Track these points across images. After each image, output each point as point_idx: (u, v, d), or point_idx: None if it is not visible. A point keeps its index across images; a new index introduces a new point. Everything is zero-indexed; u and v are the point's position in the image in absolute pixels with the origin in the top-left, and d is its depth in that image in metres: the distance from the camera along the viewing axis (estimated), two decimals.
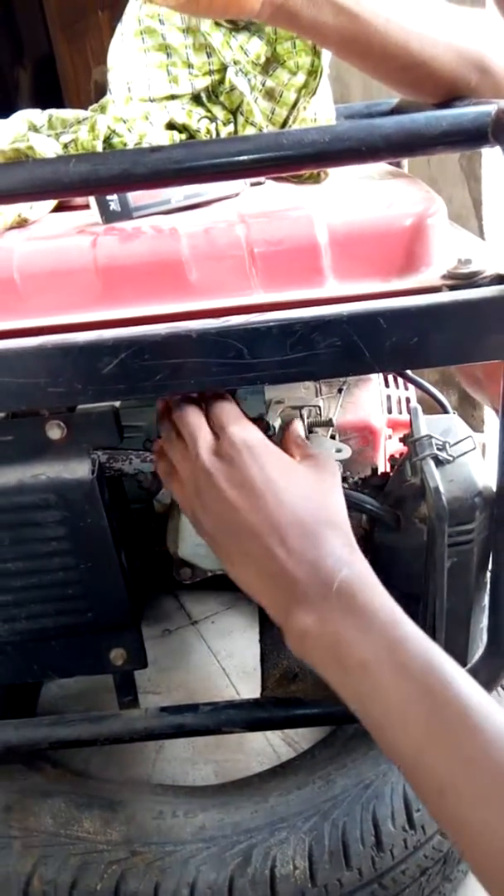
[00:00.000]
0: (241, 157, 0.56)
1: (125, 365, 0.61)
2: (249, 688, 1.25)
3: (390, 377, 0.99)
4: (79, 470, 0.66)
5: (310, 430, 0.80)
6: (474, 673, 0.80)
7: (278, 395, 0.84)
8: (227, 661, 1.33)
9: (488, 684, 0.79)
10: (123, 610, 0.75)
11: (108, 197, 0.65)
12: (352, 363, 0.61)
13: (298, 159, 0.57)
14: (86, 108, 0.94)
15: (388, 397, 0.97)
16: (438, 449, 0.71)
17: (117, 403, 0.68)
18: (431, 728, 0.39)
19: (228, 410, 0.55)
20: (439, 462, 0.70)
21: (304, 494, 0.49)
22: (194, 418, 0.54)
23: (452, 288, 0.62)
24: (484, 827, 0.35)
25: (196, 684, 1.29)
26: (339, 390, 0.87)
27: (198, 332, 0.60)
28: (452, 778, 0.37)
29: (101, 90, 0.95)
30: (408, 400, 0.99)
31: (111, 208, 0.66)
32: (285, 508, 0.48)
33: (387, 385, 0.98)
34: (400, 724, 0.41)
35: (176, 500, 0.57)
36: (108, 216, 0.65)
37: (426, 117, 0.56)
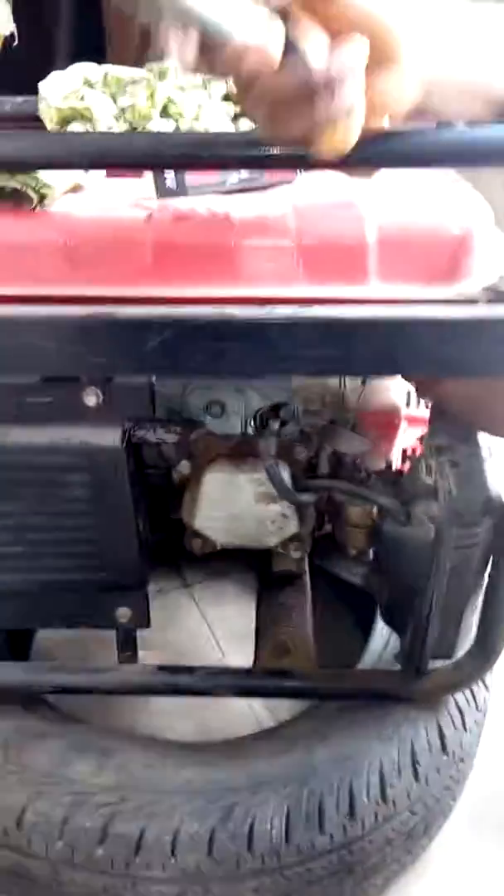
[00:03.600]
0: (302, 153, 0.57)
1: (167, 344, 0.62)
2: (237, 654, 1.29)
3: None
4: (110, 437, 0.69)
5: (330, 421, 0.82)
6: (459, 666, 0.85)
7: (298, 381, 0.86)
8: (217, 626, 1.37)
9: (470, 678, 0.84)
10: (135, 573, 0.79)
11: (165, 174, 0.66)
12: (386, 365, 0.64)
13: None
14: (132, 54, 0.93)
15: (409, 392, 1.00)
16: (455, 452, 0.73)
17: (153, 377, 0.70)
18: None
19: None
20: (454, 465, 0.73)
21: None
22: None
23: (492, 301, 0.64)
24: None
25: (184, 645, 1.33)
26: (363, 381, 0.89)
27: (241, 320, 0.62)
28: None
29: (146, 36, 0.95)
30: None
31: (167, 185, 0.67)
32: None
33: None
34: None
35: None
36: (163, 192, 0.67)
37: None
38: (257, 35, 0.43)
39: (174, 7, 0.43)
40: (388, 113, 0.50)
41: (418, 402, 1.01)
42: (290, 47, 0.44)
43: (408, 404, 1.00)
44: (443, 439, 0.75)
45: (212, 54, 0.45)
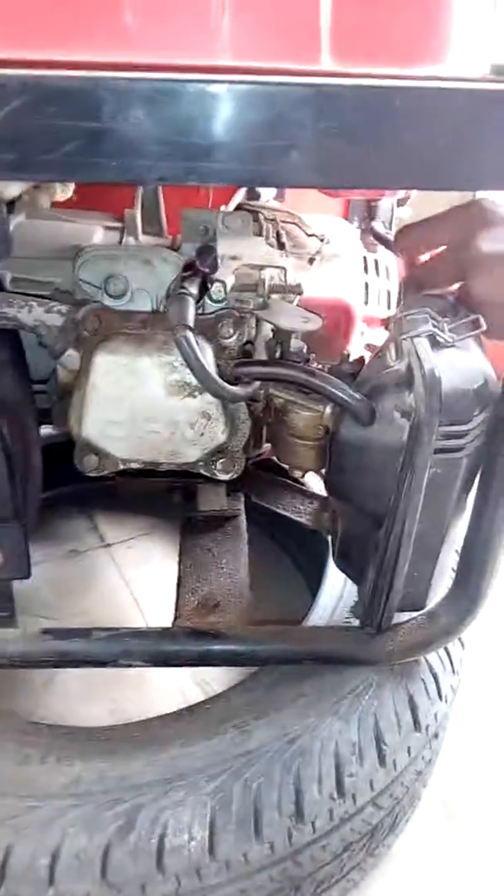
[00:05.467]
0: None
1: (16, 120, 0.41)
2: (165, 622, 1.09)
3: (370, 262, 0.82)
4: None
5: (269, 294, 0.62)
6: (434, 616, 0.66)
7: (232, 251, 0.65)
8: (142, 590, 1.17)
9: (449, 631, 0.66)
10: (2, 497, 0.57)
11: None
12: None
13: None
14: None
15: (367, 285, 0.80)
16: (435, 328, 0.54)
17: (10, 191, 0.47)
18: None
19: None
20: (436, 343, 0.54)
21: None
22: None
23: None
24: None
25: (101, 613, 1.12)
26: (311, 260, 0.69)
27: (132, 86, 0.41)
28: None
29: None
30: (388, 293, 0.82)
31: None
32: None
33: (365, 271, 0.81)
34: None
35: None
36: None
37: None
38: None
39: None
40: None
41: (377, 298, 0.82)
42: None
43: (365, 302, 0.81)
44: (421, 310, 0.56)
45: None
